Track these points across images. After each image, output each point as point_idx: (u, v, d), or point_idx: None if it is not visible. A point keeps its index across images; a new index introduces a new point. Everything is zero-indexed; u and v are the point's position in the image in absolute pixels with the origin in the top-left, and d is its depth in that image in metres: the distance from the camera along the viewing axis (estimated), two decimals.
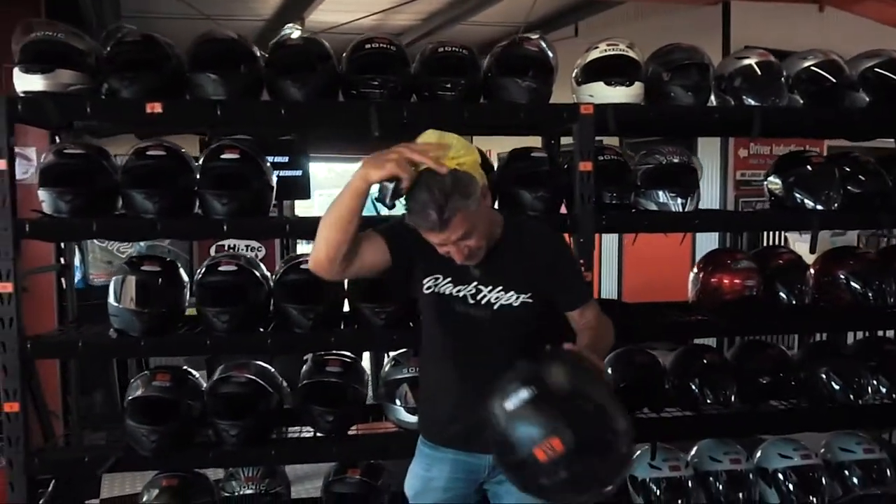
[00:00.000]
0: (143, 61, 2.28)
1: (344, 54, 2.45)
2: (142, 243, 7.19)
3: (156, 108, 2.18)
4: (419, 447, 1.92)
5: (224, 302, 2.34)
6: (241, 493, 2.51)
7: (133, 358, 3.26)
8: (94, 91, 2.29)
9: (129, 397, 2.33)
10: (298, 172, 6.73)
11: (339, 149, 9.66)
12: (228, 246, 7.08)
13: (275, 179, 2.51)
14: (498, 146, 2.64)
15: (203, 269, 2.43)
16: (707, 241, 5.04)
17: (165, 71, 2.31)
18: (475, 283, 1.79)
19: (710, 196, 5.93)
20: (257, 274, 2.44)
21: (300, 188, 6.91)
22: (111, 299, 2.34)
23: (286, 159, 6.60)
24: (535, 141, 2.82)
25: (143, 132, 2.55)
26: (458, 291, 1.79)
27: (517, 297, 1.79)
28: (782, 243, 4.80)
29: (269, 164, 2.47)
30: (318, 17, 6.51)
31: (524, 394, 1.43)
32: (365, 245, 1.74)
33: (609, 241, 6.85)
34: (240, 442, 2.30)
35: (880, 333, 3.00)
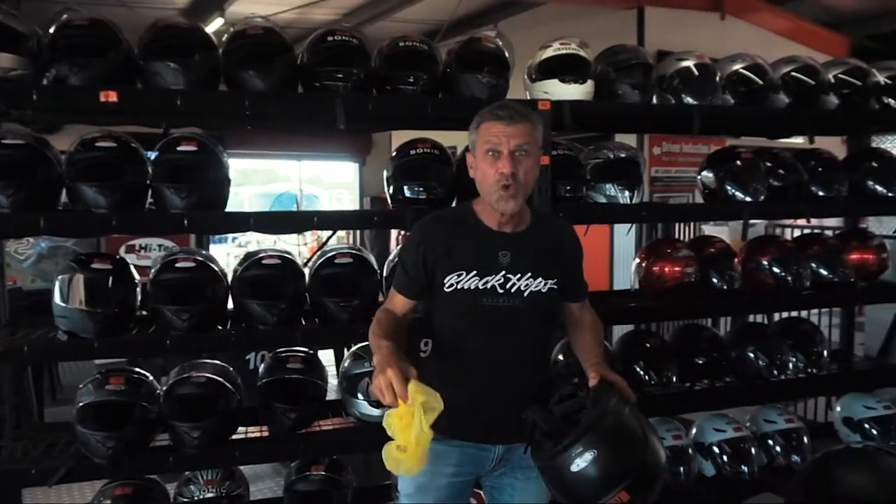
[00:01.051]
0: (92, 46, 2.16)
1: (304, 46, 2.42)
2: (43, 243, 6.71)
3: (110, 96, 2.07)
4: None
5: (183, 300, 2.25)
6: (201, 497, 2.42)
7: (85, 360, 3.05)
8: (35, 77, 2.14)
9: (81, 403, 2.20)
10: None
11: (260, 145, 9.43)
12: (140, 245, 6.74)
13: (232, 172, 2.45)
14: (450, 141, 2.69)
15: (159, 267, 2.33)
16: (623, 235, 5.33)
17: (117, 58, 2.20)
18: (503, 272, 1.81)
19: None
20: (216, 269, 2.37)
21: None
22: (57, 300, 2.20)
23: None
24: None
25: (89, 123, 2.41)
26: (486, 283, 1.80)
27: (545, 284, 1.84)
28: (694, 234, 5.15)
29: (226, 156, 2.41)
30: (237, 9, 6.32)
31: (588, 456, 1.53)
32: (403, 312, 1.88)
33: None
34: (201, 444, 2.22)
35: (798, 314, 3.29)
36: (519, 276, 1.82)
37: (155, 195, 2.27)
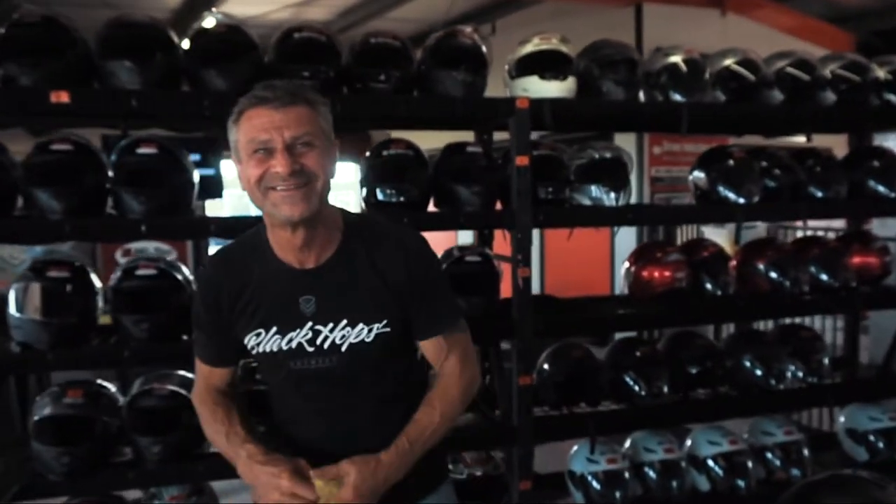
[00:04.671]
0: (44, 46, 2.07)
1: (271, 43, 2.33)
2: (38, 248, 6.65)
3: (62, 97, 1.98)
4: None
5: (143, 308, 2.16)
6: None
7: (39, 373, 2.96)
8: None
9: (36, 417, 2.11)
10: (211, 171, 6.45)
11: None
12: (135, 249, 6.67)
13: (197, 176, 2.35)
14: (426, 142, 2.57)
15: (119, 274, 2.23)
16: (625, 237, 5.20)
17: (71, 57, 2.10)
18: (310, 325, 1.36)
19: None
20: (179, 277, 2.27)
21: (213, 187, 6.59)
22: (12, 309, 2.11)
23: (198, 157, 6.31)
24: (468, 136, 2.78)
25: (40, 127, 2.32)
26: (289, 343, 1.37)
27: (369, 330, 1.37)
28: (696, 236, 5.01)
29: (189, 160, 2.31)
30: (229, 9, 6.25)
31: None
32: (224, 383, 1.50)
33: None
34: (163, 459, 2.12)
35: (797, 320, 3.15)
36: (331, 325, 1.36)
37: (114, 200, 2.17)
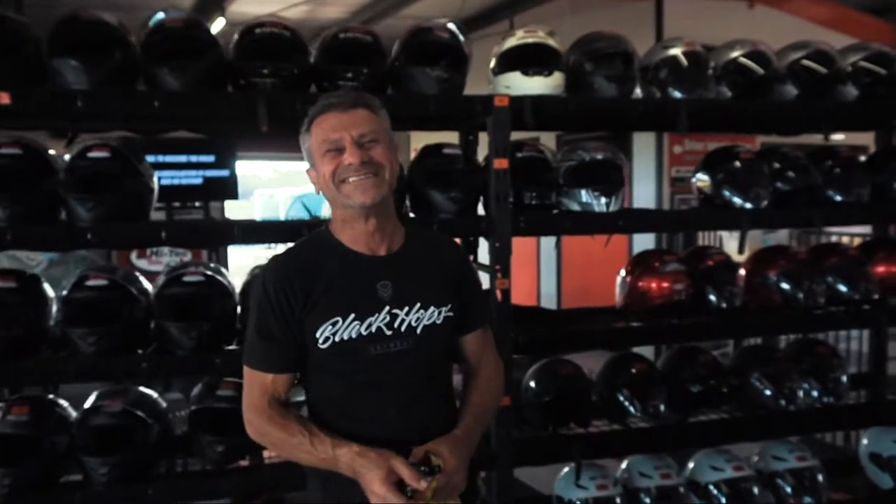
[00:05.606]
0: None
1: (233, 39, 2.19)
2: (52, 253, 6.71)
3: (2, 98, 1.87)
4: None
5: (92, 321, 2.04)
6: None
7: None
8: None
9: None
10: (226, 172, 6.39)
11: (280, 147, 9.27)
12: (151, 252, 6.65)
13: (157, 181, 2.23)
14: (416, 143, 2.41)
15: (71, 285, 2.13)
16: (644, 242, 4.96)
17: (19, 56, 1.99)
18: (387, 308, 1.44)
19: (645, 194, 5.88)
20: (133, 290, 2.14)
21: (227, 188, 6.53)
22: None
23: (212, 158, 6.26)
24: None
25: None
26: (369, 327, 1.43)
27: (439, 313, 1.49)
28: (717, 242, 4.75)
29: (147, 164, 2.19)
30: (239, 9, 6.18)
31: None
32: (286, 394, 1.49)
33: (548, 243, 6.74)
34: (111, 480, 2.00)
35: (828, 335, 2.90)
36: (407, 308, 1.45)
37: (65, 206, 2.06)
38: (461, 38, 2.32)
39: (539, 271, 7.13)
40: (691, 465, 2.66)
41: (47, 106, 1.97)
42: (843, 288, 2.68)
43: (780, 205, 2.56)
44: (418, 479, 1.33)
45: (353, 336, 1.42)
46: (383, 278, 1.46)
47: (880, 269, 2.79)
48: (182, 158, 6.48)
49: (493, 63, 2.40)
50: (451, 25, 2.33)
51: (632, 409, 2.51)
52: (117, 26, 2.07)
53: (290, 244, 1.58)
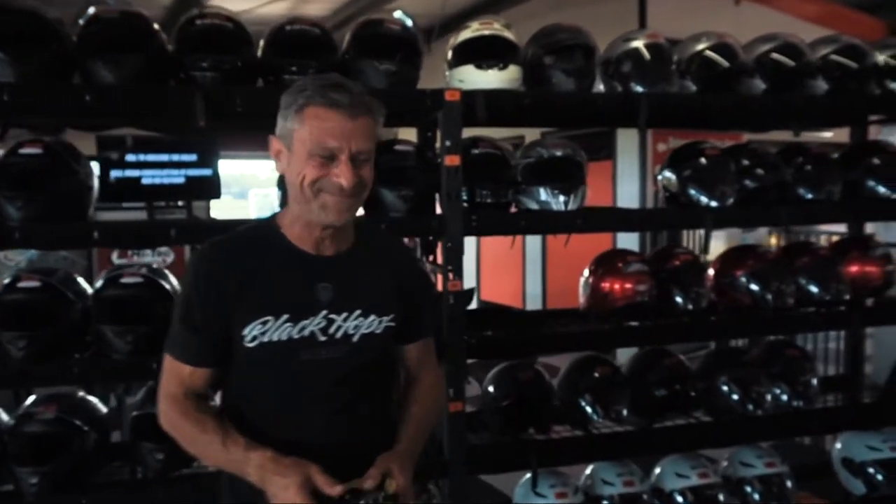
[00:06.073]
0: None
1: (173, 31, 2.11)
2: (33, 252, 6.63)
3: None
4: None
5: (21, 325, 1.96)
6: None
7: None
8: None
9: None
10: (208, 171, 6.32)
11: (259, 146, 9.18)
12: (133, 252, 6.58)
13: (96, 179, 2.15)
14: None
15: (2, 287, 2.05)
16: (628, 241, 4.88)
17: None
18: (324, 313, 1.35)
19: (629, 192, 5.80)
20: (68, 293, 2.06)
21: (210, 187, 6.46)
22: None
23: (194, 157, 6.20)
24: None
25: None
26: (302, 330, 1.33)
27: (380, 322, 1.40)
28: (701, 240, 4.65)
29: (86, 162, 2.10)
30: (219, 3, 6.09)
31: None
32: (205, 388, 1.40)
33: (534, 243, 6.66)
34: (41, 491, 1.92)
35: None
36: (346, 314, 1.36)
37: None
38: (414, 31, 2.24)
39: (524, 271, 7.06)
40: (657, 471, 2.59)
41: None
42: (814, 289, 2.60)
43: (749, 203, 2.49)
44: (333, 485, 1.26)
45: (284, 338, 1.33)
46: (325, 280, 1.37)
47: (853, 268, 2.71)
48: (164, 157, 6.42)
49: (448, 56, 2.32)
50: (403, 18, 2.24)
51: (594, 414, 2.43)
52: (48, 18, 1.99)
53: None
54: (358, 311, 1.38)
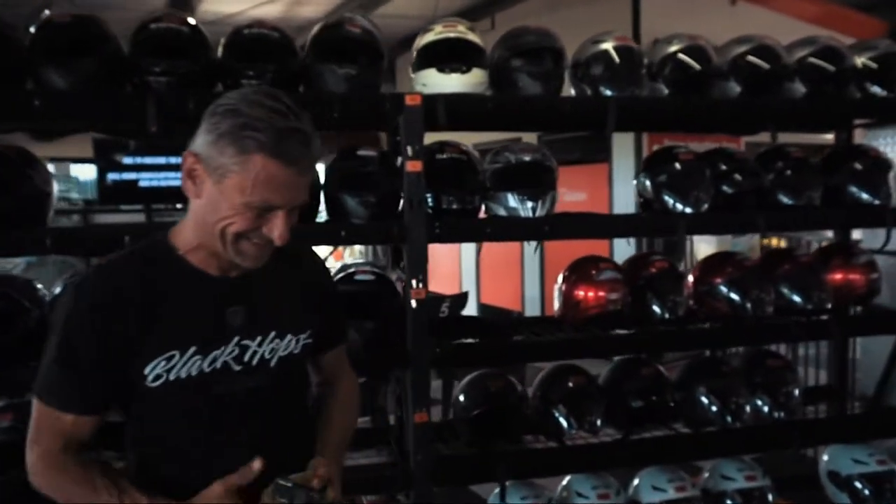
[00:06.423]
0: None
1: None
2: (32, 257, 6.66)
3: None
4: None
5: None
6: None
7: None
8: None
9: None
10: None
11: None
12: None
13: (55, 186, 2.12)
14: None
15: None
16: (626, 248, 4.79)
17: None
18: (237, 339, 1.22)
19: (625, 195, 5.73)
20: (24, 301, 2.03)
21: None
22: None
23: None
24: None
25: None
26: (213, 363, 1.20)
27: (297, 341, 1.29)
28: (693, 247, 4.58)
29: (42, 167, 2.07)
30: (210, 8, 6.09)
31: None
32: (87, 438, 1.21)
33: (531, 247, 6.60)
34: None
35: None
36: (260, 339, 1.24)
37: None
38: (376, 33, 2.19)
39: (523, 275, 7.01)
40: (635, 483, 2.52)
41: None
42: (795, 297, 2.52)
43: (725, 209, 2.42)
44: (248, 476, 1.17)
45: (193, 373, 1.18)
46: (234, 303, 1.22)
47: (837, 276, 2.64)
48: (161, 160, 6.41)
49: (413, 60, 2.28)
50: (364, 21, 2.20)
51: (566, 424, 2.37)
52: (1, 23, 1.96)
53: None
54: (273, 333, 1.25)
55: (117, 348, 1.15)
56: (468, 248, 7.73)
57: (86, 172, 8.20)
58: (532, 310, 6.85)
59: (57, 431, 1.17)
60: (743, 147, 4.82)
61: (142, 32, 2.05)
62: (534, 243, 2.31)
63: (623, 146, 5.66)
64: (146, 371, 1.16)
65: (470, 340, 2.34)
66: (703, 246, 4.32)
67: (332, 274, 1.52)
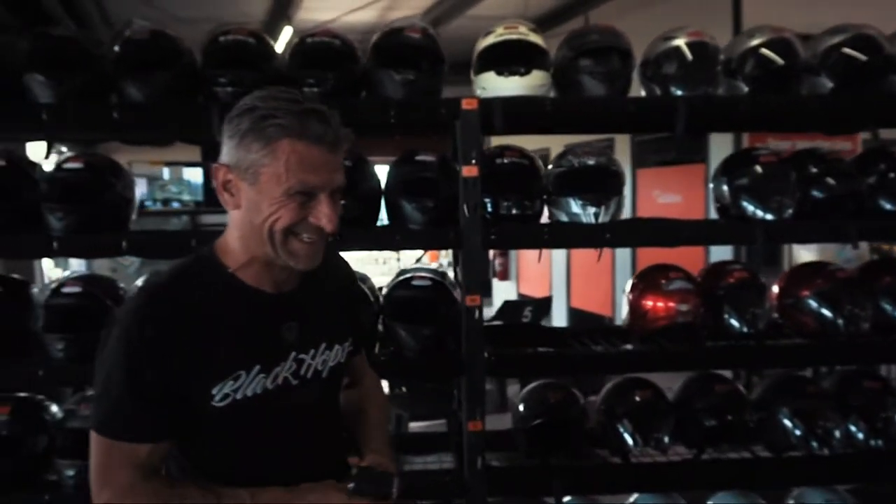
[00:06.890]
0: None
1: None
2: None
3: None
4: None
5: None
6: None
7: None
8: None
9: None
10: None
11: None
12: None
13: (136, 191, 2.27)
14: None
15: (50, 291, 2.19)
16: (722, 252, 4.53)
17: None
18: (293, 354, 1.23)
19: None
20: None
21: None
22: None
23: None
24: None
25: None
26: (275, 380, 1.21)
27: (342, 350, 1.32)
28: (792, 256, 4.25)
29: (126, 174, 2.22)
30: (307, 16, 6.32)
31: None
32: (160, 465, 1.21)
33: (623, 250, 6.38)
34: None
35: None
36: (313, 351, 1.26)
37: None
38: (436, 38, 2.19)
39: (614, 279, 6.79)
40: None
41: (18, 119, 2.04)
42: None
43: (814, 215, 2.22)
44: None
45: (259, 391, 1.19)
46: (289, 319, 1.23)
47: None
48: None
49: (473, 63, 2.25)
50: (426, 26, 2.19)
51: (631, 440, 2.26)
52: (85, 42, 2.11)
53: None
54: (323, 345, 1.28)
55: (181, 371, 1.15)
56: (559, 251, 7.58)
57: (196, 175, 8.77)
58: (622, 314, 6.63)
59: (132, 465, 1.14)
60: (860, 148, 4.42)
61: (211, 45, 2.15)
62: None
63: (721, 146, 5.34)
64: (213, 391, 1.16)
65: (530, 350, 2.28)
66: (805, 254, 4.00)
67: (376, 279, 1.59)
